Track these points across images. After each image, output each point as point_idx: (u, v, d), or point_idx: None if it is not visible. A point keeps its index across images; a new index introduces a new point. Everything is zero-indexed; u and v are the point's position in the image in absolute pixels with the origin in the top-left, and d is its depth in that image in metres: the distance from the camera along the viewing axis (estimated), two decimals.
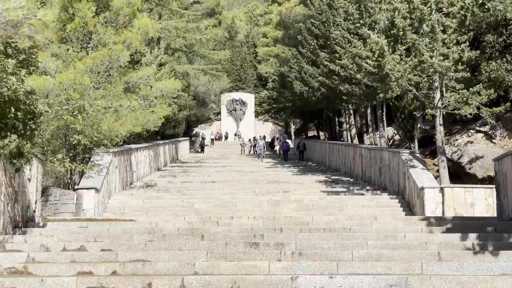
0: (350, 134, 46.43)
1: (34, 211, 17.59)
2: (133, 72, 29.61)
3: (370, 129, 40.92)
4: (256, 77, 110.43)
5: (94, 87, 27.42)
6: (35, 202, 17.77)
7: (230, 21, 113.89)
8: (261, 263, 11.30)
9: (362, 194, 28.82)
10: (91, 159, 26.57)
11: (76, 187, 24.80)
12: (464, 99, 24.65)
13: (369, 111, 40.80)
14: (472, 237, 14.02)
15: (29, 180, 17.04)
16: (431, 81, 25.27)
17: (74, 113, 24.70)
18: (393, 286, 10.08)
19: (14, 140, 13.70)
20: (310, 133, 74.37)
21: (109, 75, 27.81)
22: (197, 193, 29.08)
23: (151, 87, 30.03)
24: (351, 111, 45.88)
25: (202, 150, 65.30)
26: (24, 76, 14.64)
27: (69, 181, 25.65)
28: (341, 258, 12.04)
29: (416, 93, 25.85)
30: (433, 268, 11.19)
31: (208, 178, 35.69)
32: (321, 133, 67.11)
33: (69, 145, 25.43)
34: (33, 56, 15.03)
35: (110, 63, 27.35)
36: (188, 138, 65.63)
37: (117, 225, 16.37)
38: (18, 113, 14.22)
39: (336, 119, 54.93)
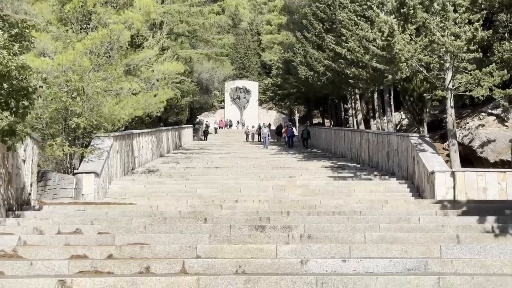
0: (356, 120, 45.54)
1: (30, 194, 16.83)
2: (134, 54, 28.80)
3: (377, 114, 40.07)
4: (260, 65, 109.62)
5: (94, 69, 26.65)
6: (31, 185, 17.02)
7: (234, 9, 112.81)
8: (268, 246, 10.54)
9: (370, 179, 28.01)
10: (91, 143, 25.79)
11: (75, 171, 24.05)
12: (477, 80, 23.77)
13: (375, 95, 39.94)
14: (491, 220, 13.25)
15: (24, 161, 16.27)
16: (442, 61, 24.39)
17: (73, 96, 23.97)
18: (412, 270, 9.32)
19: (6, 117, 12.93)
20: (315, 121, 73.45)
21: (109, 56, 27.03)
22: (200, 178, 28.31)
23: (153, 70, 29.16)
24: (357, 96, 44.95)
25: (206, 137, 64.59)
26: (18, 50, 13.86)
27: (69, 165, 24.92)
28: (353, 241, 11.28)
29: (427, 74, 24.99)
30: (453, 252, 10.42)
31: (212, 164, 34.90)
32: (326, 121, 66.21)
33: (68, 129, 24.67)
34: (27, 30, 14.20)
35: (110, 44, 26.57)
36: (191, 125, 64.85)
37: (116, 208, 15.62)
38: (11, 89, 13.44)
39: (342, 105, 54.03)
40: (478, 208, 15.75)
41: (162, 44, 39.59)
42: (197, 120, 78.59)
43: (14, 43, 13.93)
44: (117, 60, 27.25)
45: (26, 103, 13.81)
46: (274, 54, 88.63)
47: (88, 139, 25.80)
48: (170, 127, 48.42)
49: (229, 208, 15.77)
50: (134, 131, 33.91)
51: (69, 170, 24.84)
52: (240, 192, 23.54)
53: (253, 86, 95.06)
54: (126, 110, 27.30)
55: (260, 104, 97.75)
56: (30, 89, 13.75)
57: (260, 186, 25.18)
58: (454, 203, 16.67)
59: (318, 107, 65.62)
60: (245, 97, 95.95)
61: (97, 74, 25.86)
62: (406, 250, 10.43)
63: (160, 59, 34.65)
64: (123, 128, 30.88)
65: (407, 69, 24.89)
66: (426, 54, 24.16)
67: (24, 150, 16.20)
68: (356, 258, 9.70)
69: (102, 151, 25.37)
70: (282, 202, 17.11)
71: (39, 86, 13.99)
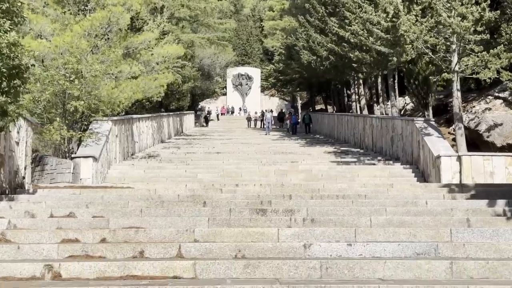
0: (360, 106, 44.93)
1: (24, 177, 16.32)
2: (133, 37, 28.19)
3: (380, 99, 39.45)
4: (262, 51, 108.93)
5: (92, 51, 26.09)
6: (25, 168, 16.50)
7: None
8: (269, 230, 10.03)
9: (374, 164, 27.48)
10: (90, 127, 25.24)
11: (73, 155, 23.54)
12: (484, 62, 23.14)
13: (379, 80, 39.30)
14: (501, 203, 12.71)
15: (18, 144, 15.75)
16: (448, 43, 23.77)
17: (71, 79, 23.43)
18: (421, 254, 8.81)
19: None
20: (317, 107, 72.79)
21: (108, 39, 26.45)
22: (200, 163, 27.80)
23: (152, 53, 28.54)
24: (361, 81, 44.30)
25: (207, 124, 64.07)
26: (9, 27, 13.29)
27: (66, 150, 24.42)
28: (359, 225, 10.75)
29: (432, 56, 24.37)
30: (464, 235, 9.90)
31: (213, 150, 34.40)
32: (329, 107, 65.55)
33: (66, 112, 24.15)
34: (18, 5, 13.59)
35: (109, 26, 25.97)
36: (193, 111, 64.32)
37: (113, 192, 15.12)
38: (2, 68, 12.88)
39: (345, 91, 53.38)
40: (486, 192, 15.23)
41: (163, 28, 38.97)
42: (199, 106, 78.02)
43: (5, 19, 13.36)
44: (116, 42, 26.65)
45: (18, 82, 13.25)
46: (276, 40, 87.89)
47: (86, 123, 25.26)
48: (171, 113, 47.92)
49: (230, 192, 15.26)
50: (134, 116, 33.38)
51: (67, 154, 24.34)
52: (241, 177, 23.04)
53: (255, 73, 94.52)
54: (125, 94, 26.77)
55: (262, 91, 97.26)
56: (22, 68, 13.19)
57: (261, 171, 24.66)
58: (462, 187, 16.15)
59: (321, 93, 64.96)
60: (247, 84, 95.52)
61: (96, 57, 25.29)
62: (414, 234, 9.91)
63: (161, 43, 34.05)
64: (123, 113, 30.36)
65: (413, 51, 24.29)
66: (432, 35, 23.55)
67: (18, 132, 15.67)
68: (362, 242, 9.18)
69: (100, 135, 24.84)
70: (284, 186, 16.57)
71: (31, 65, 13.38)
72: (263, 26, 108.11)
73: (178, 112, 52.22)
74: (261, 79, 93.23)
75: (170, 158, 30.21)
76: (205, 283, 7.17)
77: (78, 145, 24.82)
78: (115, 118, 27.39)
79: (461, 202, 13.41)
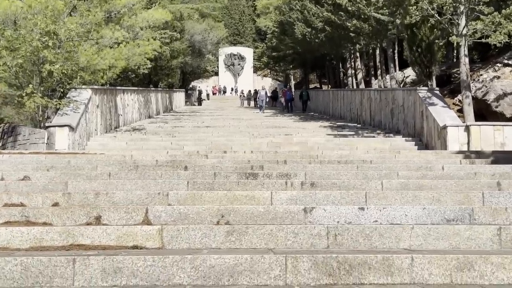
0: (356, 81, 43.01)
1: None
2: (116, 0, 26.09)
3: (378, 72, 37.52)
4: (255, 31, 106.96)
5: (70, 14, 24.05)
6: None
7: None
8: (261, 193, 8.14)
9: (373, 137, 25.63)
10: (68, 95, 23.25)
11: (47, 124, 21.58)
12: (495, 24, 21.23)
13: (377, 52, 37.37)
14: None
15: None
16: (456, 4, 21.84)
17: (44, 40, 21.40)
18: (452, 220, 6.95)
19: None
20: (311, 86, 70.83)
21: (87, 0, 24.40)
22: (188, 136, 25.86)
23: (136, 17, 26.45)
24: (357, 55, 42.33)
25: (200, 103, 61.96)
26: None
27: (41, 119, 22.43)
28: (368, 189, 8.88)
29: (439, 18, 22.44)
30: (499, 200, 8.07)
31: (202, 124, 32.44)
32: (324, 87, 63.57)
33: (40, 78, 22.14)
34: None
35: None
36: (184, 90, 62.46)
37: (83, 157, 13.18)
38: None
39: (340, 66, 51.38)
40: (506, 158, 13.41)
41: None
42: (190, 86, 76.14)
43: None
44: (96, 5, 24.54)
45: None
46: (269, 20, 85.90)
47: (63, 91, 23.25)
48: (160, 89, 46.01)
49: (216, 157, 13.35)
50: (118, 87, 31.42)
51: (42, 124, 22.37)
52: (231, 149, 21.13)
53: (247, 53, 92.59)
54: (107, 61, 24.79)
55: (255, 71, 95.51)
56: None
57: (253, 144, 22.71)
58: (478, 154, 14.31)
59: (315, 70, 62.93)
60: (239, 64, 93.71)
61: (74, 19, 23.25)
62: (438, 198, 8.05)
63: (149, 11, 31.90)
64: (107, 85, 28.41)
65: (417, 13, 22.35)
66: None
67: None
68: (377, 206, 7.28)
69: (79, 104, 22.89)
70: (278, 153, 14.68)
71: None
72: (256, 6, 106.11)
73: (167, 89, 50.36)
74: (254, 59, 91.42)
75: (156, 131, 28.27)
76: (172, 254, 5.29)
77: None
78: (96, 86, 25.41)
79: (483, 167, 11.58)
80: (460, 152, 14.67)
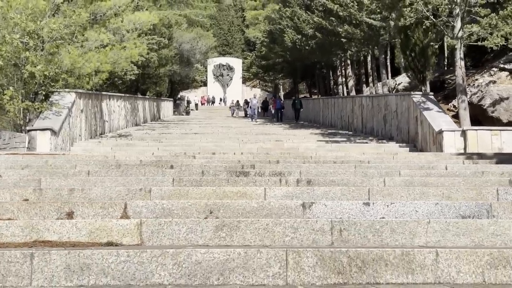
0: (347, 89, 42.37)
1: None
2: (101, 1, 25.25)
3: (370, 79, 36.89)
4: (244, 41, 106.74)
5: (53, 14, 23.20)
6: None
7: None
8: (253, 189, 7.35)
9: (366, 143, 24.91)
10: (50, 99, 22.38)
11: (28, 128, 20.68)
12: (492, 26, 20.64)
13: (369, 59, 36.76)
14: None
15: None
16: (452, 5, 21.25)
17: (25, 41, 20.57)
18: (469, 217, 6.18)
19: None
20: (301, 96, 70.21)
21: (71, 0, 23.57)
22: (175, 141, 25.00)
23: (122, 19, 25.61)
24: (348, 62, 41.72)
25: (188, 113, 61.13)
26: None
27: (22, 122, 21.51)
28: (371, 186, 8.10)
29: (434, 20, 21.83)
30: None
31: (191, 131, 31.66)
32: (314, 96, 62.90)
33: (21, 80, 21.25)
34: None
35: None
36: (172, 99, 61.71)
37: (62, 157, 12.33)
38: None
39: (331, 74, 50.76)
40: (509, 159, 12.71)
41: (138, 2, 36.04)
42: (179, 96, 75.38)
43: None
44: (81, 5, 23.73)
45: None
46: (258, 30, 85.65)
47: (45, 93, 22.36)
48: (147, 97, 45.21)
49: (204, 158, 12.54)
50: (104, 92, 30.56)
51: (23, 128, 21.46)
52: (220, 152, 20.32)
53: (236, 63, 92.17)
54: (92, 64, 23.87)
55: (244, 82, 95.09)
56: None
57: (243, 149, 21.84)
58: (479, 155, 13.61)
59: (305, 79, 62.26)
60: (228, 75, 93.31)
61: (57, 20, 22.41)
62: (448, 195, 7.30)
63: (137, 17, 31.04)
64: (93, 90, 27.57)
65: (412, 14, 21.73)
66: None
67: None
68: (383, 201, 6.51)
69: (62, 107, 22.02)
70: (270, 154, 13.88)
71: None
72: (245, 16, 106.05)
73: (155, 97, 49.56)
74: (243, 69, 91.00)
75: (143, 137, 27.41)
76: (163, 253, 4.45)
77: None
78: (80, 90, 24.53)
79: (489, 166, 10.85)
80: (460, 154, 13.97)
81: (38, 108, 21.24)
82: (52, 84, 21.85)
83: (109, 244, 5.04)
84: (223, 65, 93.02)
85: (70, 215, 6.00)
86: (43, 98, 22.26)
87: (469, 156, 12.97)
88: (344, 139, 26.78)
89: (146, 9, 39.48)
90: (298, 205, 6.27)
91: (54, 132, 20.39)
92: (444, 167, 10.65)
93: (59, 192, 7.21)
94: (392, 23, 23.53)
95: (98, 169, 10.14)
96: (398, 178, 8.69)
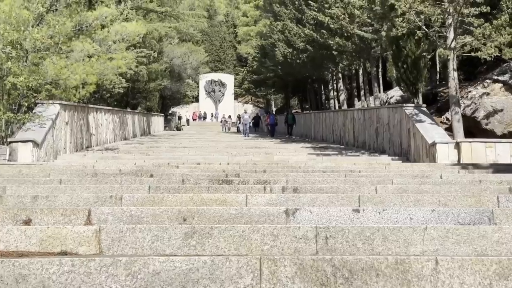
0: (339, 103, 41.92)
1: None
2: (87, 12, 24.75)
3: (362, 92, 36.45)
4: (236, 57, 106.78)
5: (37, 24, 22.64)
6: None
7: (209, 0, 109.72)
8: (233, 196, 6.75)
9: (358, 156, 24.34)
10: (34, 110, 21.74)
11: (9, 139, 20.00)
12: (485, 36, 20.22)
13: (360, 72, 36.35)
14: None
15: None
16: (445, 14, 20.82)
17: (7, 51, 19.97)
18: (468, 225, 5.59)
19: None
20: (293, 111, 69.78)
21: (56, 10, 23.03)
22: (163, 154, 24.32)
23: (109, 30, 25.04)
24: (340, 75, 41.30)
25: (179, 129, 60.56)
26: None
27: (4, 134, 20.85)
28: (362, 193, 7.51)
29: (427, 30, 21.40)
30: None
31: (180, 145, 31.08)
32: (306, 111, 62.47)
33: (2, 91, 20.61)
34: None
35: None
36: (163, 114, 61.21)
37: (37, 167, 11.69)
38: None
39: (322, 89, 50.33)
40: (505, 169, 12.18)
41: (126, 15, 35.55)
42: (170, 111, 74.91)
43: None
44: (66, 15, 23.19)
45: None
46: (250, 46, 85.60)
47: (27, 105, 21.72)
48: (137, 111, 44.61)
49: (188, 168, 11.93)
50: (91, 105, 29.96)
51: (5, 140, 20.79)
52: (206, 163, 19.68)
53: (228, 79, 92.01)
54: (77, 75, 23.31)
55: (236, 98, 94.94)
56: None
57: (231, 161, 21.13)
58: (475, 165, 13.06)
59: (296, 94, 61.86)
60: (220, 91, 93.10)
61: (41, 30, 21.85)
62: (445, 202, 6.72)
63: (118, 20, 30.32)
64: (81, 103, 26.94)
65: (404, 25, 21.29)
66: (427, 5, 20.57)
67: None
68: (375, 208, 5.92)
69: (45, 119, 21.36)
70: (257, 165, 13.29)
71: None
72: (237, 32, 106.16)
73: (145, 112, 49.00)
74: (235, 85, 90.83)
75: (130, 150, 26.77)
76: (115, 262, 3.83)
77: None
78: (64, 102, 23.90)
79: (486, 175, 10.31)
80: (455, 164, 13.43)
81: (20, 120, 20.61)
82: (35, 95, 21.23)
83: (63, 253, 4.43)
84: (215, 81, 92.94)
85: (27, 223, 5.39)
86: (26, 109, 21.64)
87: (464, 166, 12.43)
88: (336, 152, 26.22)
89: (136, 22, 39.02)
90: (280, 212, 5.67)
91: (36, 144, 19.71)
92: (439, 176, 10.10)
93: (21, 200, 6.59)
94: (384, 34, 23.01)
95: (72, 178, 9.51)
96: (390, 186, 8.11)
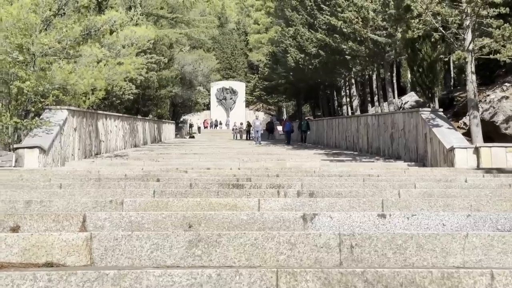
0: (352, 109, 41.26)
1: None
2: (96, 16, 24.31)
3: (375, 98, 35.78)
4: (247, 65, 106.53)
5: (44, 28, 22.22)
6: None
7: (220, 8, 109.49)
8: (245, 201, 6.15)
9: (372, 162, 23.69)
10: (41, 116, 21.28)
11: (16, 145, 19.54)
12: (506, 36, 19.54)
13: (374, 77, 35.70)
14: None
15: None
16: (463, 15, 20.18)
17: (15, 57, 19.56)
18: (509, 231, 4.96)
19: None
20: (306, 118, 69.23)
21: (64, 14, 22.61)
22: (173, 161, 23.77)
23: (118, 34, 24.59)
24: (353, 81, 40.67)
25: (192, 137, 60.05)
26: None
27: (10, 141, 20.40)
28: (385, 197, 6.89)
29: (444, 32, 20.76)
30: None
31: (190, 151, 30.55)
32: (318, 118, 61.90)
33: (9, 96, 20.20)
34: None
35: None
36: (174, 121, 60.86)
37: (39, 172, 11.16)
38: None
39: (334, 95, 49.70)
40: None
41: (136, 21, 35.16)
42: (181, 119, 74.51)
43: None
44: (74, 19, 22.76)
45: None
46: (261, 54, 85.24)
47: (34, 110, 21.28)
48: (148, 118, 44.19)
49: (197, 172, 11.35)
50: (100, 111, 29.50)
51: (11, 146, 20.35)
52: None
53: (239, 87, 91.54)
54: (85, 80, 22.82)
55: (247, 106, 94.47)
56: None
57: (242, 168, 20.69)
58: (500, 170, 12.39)
59: (308, 101, 61.27)
60: (231, 98, 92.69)
61: (49, 35, 21.44)
62: (477, 207, 6.10)
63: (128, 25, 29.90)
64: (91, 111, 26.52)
65: (420, 26, 20.65)
66: (444, 6, 19.93)
67: None
68: (402, 213, 5.30)
69: (53, 125, 20.88)
70: (269, 169, 12.69)
71: None
72: (248, 40, 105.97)
73: (156, 119, 48.58)
74: (246, 93, 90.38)
75: (139, 157, 26.25)
76: (100, 276, 3.23)
77: None
78: (73, 108, 23.45)
79: None
80: (478, 168, 12.75)
81: (27, 126, 20.16)
82: (42, 100, 20.78)
83: (49, 264, 3.86)
84: (226, 89, 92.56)
85: (15, 230, 4.83)
86: (33, 115, 21.20)
87: (488, 170, 11.75)
88: (350, 159, 25.60)
89: (146, 27, 38.63)
90: (297, 217, 5.07)
91: (43, 150, 19.22)
92: (464, 180, 9.46)
93: (13, 205, 6.04)
94: (399, 36, 22.39)
95: (74, 182, 8.97)
96: (414, 190, 7.50)
